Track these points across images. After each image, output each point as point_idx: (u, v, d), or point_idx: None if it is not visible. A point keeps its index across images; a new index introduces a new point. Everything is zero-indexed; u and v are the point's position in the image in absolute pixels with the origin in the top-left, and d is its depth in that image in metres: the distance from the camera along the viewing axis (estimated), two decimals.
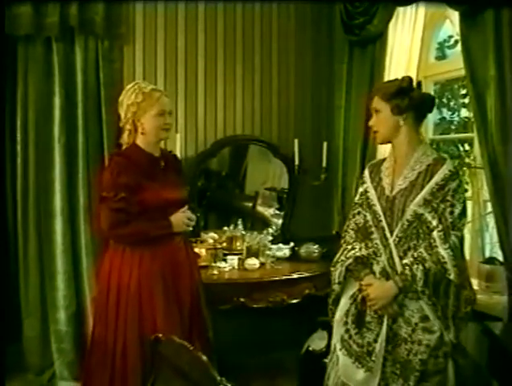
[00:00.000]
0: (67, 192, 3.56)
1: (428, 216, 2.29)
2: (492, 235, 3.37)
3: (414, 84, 2.46)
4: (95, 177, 3.42)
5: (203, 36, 4.01)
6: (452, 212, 2.27)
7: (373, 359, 2.30)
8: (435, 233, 2.26)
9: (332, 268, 2.51)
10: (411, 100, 2.38)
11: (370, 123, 2.50)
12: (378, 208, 2.41)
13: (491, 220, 3.27)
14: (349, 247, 2.47)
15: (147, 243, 2.67)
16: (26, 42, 3.43)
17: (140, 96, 2.70)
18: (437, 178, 2.31)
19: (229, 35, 4.10)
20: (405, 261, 2.29)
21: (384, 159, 2.59)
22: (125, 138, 2.78)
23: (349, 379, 2.38)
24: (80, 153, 3.58)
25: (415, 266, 2.25)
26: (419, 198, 2.30)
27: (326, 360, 2.87)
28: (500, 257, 3.17)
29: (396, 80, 2.52)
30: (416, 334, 2.26)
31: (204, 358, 1.60)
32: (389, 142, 2.49)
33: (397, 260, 2.32)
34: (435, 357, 2.25)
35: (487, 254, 3.44)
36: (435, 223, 2.27)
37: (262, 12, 4.20)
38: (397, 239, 2.33)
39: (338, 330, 2.45)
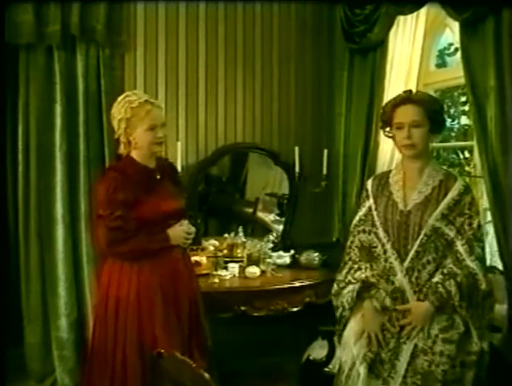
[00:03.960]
0: (68, 199, 3.55)
1: (445, 229, 2.33)
2: (491, 244, 3.38)
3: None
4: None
5: (204, 44, 4.01)
6: (470, 224, 2.33)
7: (393, 373, 2.32)
8: (459, 247, 2.31)
9: (336, 288, 2.52)
10: (445, 122, 2.44)
11: (409, 135, 2.36)
12: (389, 225, 2.41)
13: (491, 229, 3.28)
14: (356, 266, 2.49)
15: (146, 257, 2.66)
16: (27, 50, 3.42)
17: (129, 112, 2.63)
18: (453, 193, 2.36)
19: (230, 43, 4.10)
20: (435, 280, 2.31)
21: (389, 171, 2.59)
22: (121, 150, 2.74)
23: None
24: (81, 160, 3.58)
25: (447, 282, 2.28)
26: (437, 212, 2.34)
27: (327, 369, 2.90)
28: (499, 266, 3.19)
29: (430, 95, 2.56)
30: (437, 345, 2.28)
31: (207, 375, 1.62)
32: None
33: (416, 274, 2.34)
34: (453, 367, 2.27)
35: (487, 263, 3.44)
36: (452, 234, 2.32)
37: (263, 20, 4.20)
38: (415, 253, 2.35)
39: (356, 346, 2.43)
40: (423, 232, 2.33)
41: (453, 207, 2.34)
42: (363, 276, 2.43)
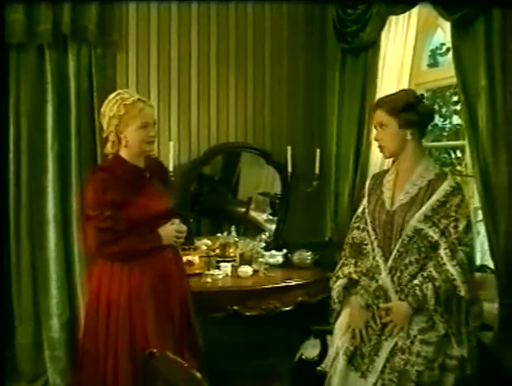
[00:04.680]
0: (59, 199, 3.54)
1: (429, 231, 2.30)
2: (482, 242, 3.40)
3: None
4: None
5: (196, 44, 4.01)
6: (456, 227, 2.28)
7: (371, 367, 2.33)
8: (441, 251, 2.27)
9: (332, 282, 2.55)
10: (419, 115, 2.37)
11: (376, 137, 2.46)
12: (376, 223, 2.42)
13: (482, 228, 3.30)
14: (346, 262, 2.52)
15: (137, 257, 2.63)
16: (18, 49, 3.41)
17: (122, 109, 2.60)
18: (438, 194, 2.32)
19: (222, 43, 4.11)
20: (415, 282, 2.30)
21: (387, 170, 2.59)
22: (108, 149, 2.70)
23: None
24: (72, 160, 3.57)
25: (425, 285, 2.26)
26: (419, 214, 2.31)
27: (319, 368, 2.92)
28: (491, 265, 3.21)
29: (400, 93, 2.51)
30: (415, 346, 2.28)
31: (199, 375, 1.62)
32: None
33: (398, 274, 2.34)
34: (430, 369, 2.26)
35: (478, 262, 3.46)
36: (436, 237, 2.29)
37: (255, 20, 4.21)
38: (397, 253, 2.34)
39: (341, 339, 2.46)
40: (404, 233, 2.32)
41: (438, 209, 2.30)
42: (346, 272, 2.47)
